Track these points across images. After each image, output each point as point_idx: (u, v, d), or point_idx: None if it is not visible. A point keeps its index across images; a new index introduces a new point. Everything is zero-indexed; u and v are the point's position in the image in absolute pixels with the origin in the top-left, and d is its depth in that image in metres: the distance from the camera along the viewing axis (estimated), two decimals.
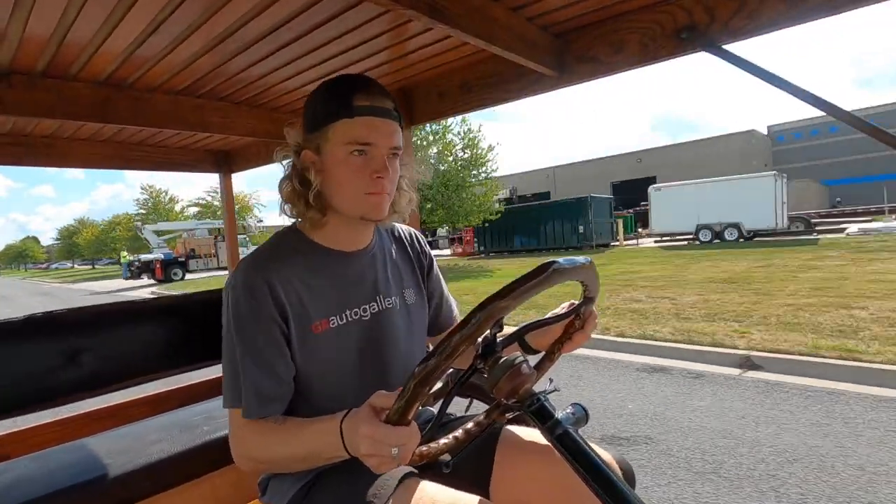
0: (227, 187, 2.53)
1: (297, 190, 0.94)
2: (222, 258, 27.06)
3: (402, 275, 1.09)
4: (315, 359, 0.93)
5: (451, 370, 1.04)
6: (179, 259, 26.62)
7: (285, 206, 0.97)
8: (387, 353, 1.01)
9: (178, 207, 41.83)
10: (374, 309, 1.00)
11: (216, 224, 29.80)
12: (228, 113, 1.78)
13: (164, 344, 1.53)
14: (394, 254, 1.10)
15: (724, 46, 1.08)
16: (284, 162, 0.97)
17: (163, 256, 25.84)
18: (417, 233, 1.21)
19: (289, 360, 0.91)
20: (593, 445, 0.72)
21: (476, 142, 18.59)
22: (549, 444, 0.94)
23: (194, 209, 37.54)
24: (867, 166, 30.42)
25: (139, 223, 33.22)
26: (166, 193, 41.89)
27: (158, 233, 28.44)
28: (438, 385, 0.84)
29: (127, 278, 27.22)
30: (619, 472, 0.91)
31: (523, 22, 1.24)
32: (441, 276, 1.22)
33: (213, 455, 1.34)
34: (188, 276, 26.26)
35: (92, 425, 1.67)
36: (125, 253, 34.49)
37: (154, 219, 37.19)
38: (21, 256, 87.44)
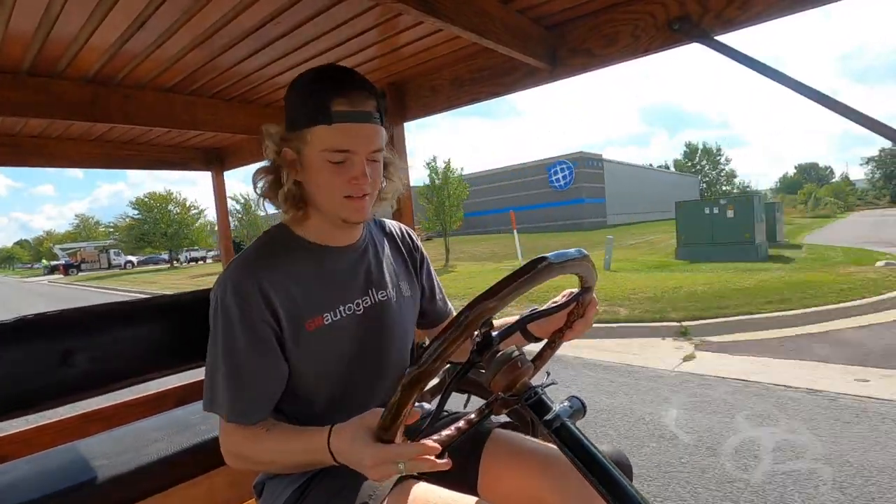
0: (219, 186, 2.51)
1: (276, 185, 0.93)
2: (103, 263, 48.34)
3: (394, 269, 1.09)
4: (310, 356, 0.92)
5: (447, 366, 1.03)
6: (75, 264, 46.96)
7: (262, 201, 0.97)
8: (380, 347, 1.01)
9: (101, 229, 65.92)
10: (367, 303, 1.00)
11: (100, 243, 54.84)
12: (219, 110, 1.76)
13: (159, 343, 1.52)
14: (385, 248, 1.10)
15: (717, 37, 1.07)
16: (267, 157, 0.96)
17: (64, 262, 47.92)
18: (408, 228, 1.21)
19: (278, 364, 0.90)
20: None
21: None
22: (533, 448, 0.95)
23: (111, 229, 54.50)
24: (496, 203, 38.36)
25: (52, 245, 62.07)
26: (92, 217, 75.33)
27: (64, 249, 54.83)
28: (435, 381, 0.83)
29: (44, 275, 48.20)
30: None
31: (515, 14, 1.23)
32: (433, 271, 1.22)
33: (211, 455, 1.33)
34: (81, 273, 43.94)
35: (89, 426, 1.66)
36: (45, 260, 60.65)
37: (85, 236, 66.54)
38: (10, 259, 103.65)
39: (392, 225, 1.18)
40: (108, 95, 1.50)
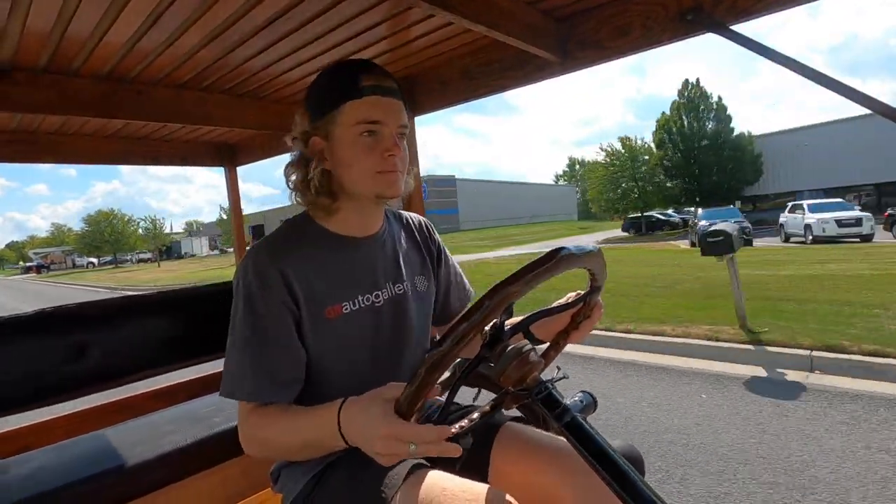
0: (231, 181, 2.53)
1: (306, 178, 0.94)
2: (68, 264, 64.80)
3: (412, 261, 1.09)
4: (328, 345, 0.93)
5: (457, 360, 1.03)
6: (45, 265, 62.65)
7: (295, 195, 0.97)
8: (399, 339, 1.02)
9: (72, 234, 72.70)
10: (386, 294, 1.00)
11: (66, 248, 69.06)
12: (231, 106, 1.77)
13: (174, 337, 1.55)
14: (403, 241, 1.10)
15: (731, 27, 1.05)
16: (293, 152, 0.97)
17: (36, 263, 63.20)
18: (427, 221, 1.21)
19: (300, 347, 0.91)
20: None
21: None
22: (544, 442, 0.94)
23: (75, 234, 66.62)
24: None
25: (26, 250, 79.43)
26: (66, 225, 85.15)
27: (37, 253, 72.08)
28: (446, 374, 0.84)
29: (21, 274, 59.14)
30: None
31: (525, 7, 1.23)
32: (455, 263, 1.22)
33: (225, 445, 1.36)
34: (50, 272, 55.42)
35: (107, 417, 1.70)
36: (21, 261, 76.73)
37: (59, 242, 76.81)
38: (0, 260, 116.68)
39: (411, 217, 1.17)
40: (122, 92, 1.51)
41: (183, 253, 67.56)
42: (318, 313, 0.92)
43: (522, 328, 0.88)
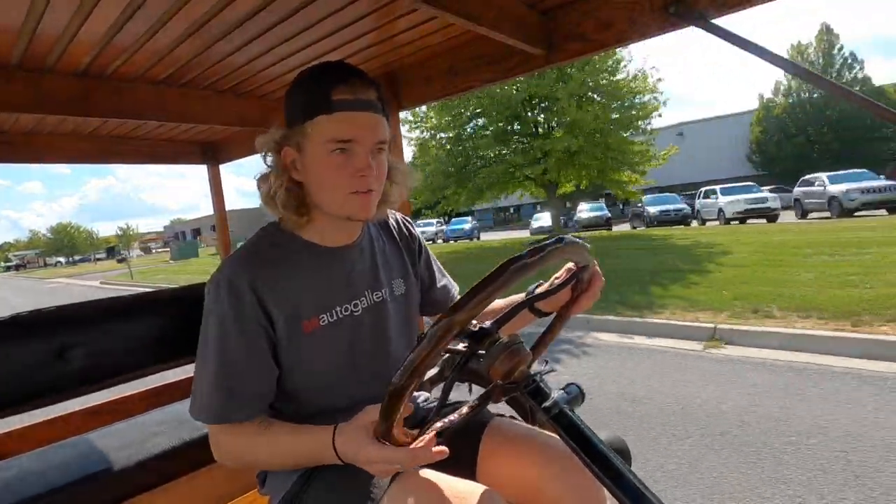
0: (214, 179, 2.49)
1: (274, 192, 0.90)
2: (41, 263, 77.30)
3: (391, 264, 1.07)
4: (306, 358, 0.91)
5: (447, 354, 1.03)
6: (22, 264, 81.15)
7: (264, 207, 0.94)
8: (380, 347, 1.00)
9: (43, 240, 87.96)
10: (364, 304, 0.98)
11: (37, 251, 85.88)
12: (213, 102, 1.74)
13: (156, 338, 1.52)
14: (382, 243, 1.08)
15: (714, 21, 1.06)
16: (268, 159, 0.93)
17: (15, 263, 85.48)
18: (405, 218, 1.19)
19: (269, 365, 0.89)
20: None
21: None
22: (531, 436, 0.95)
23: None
24: None
25: (7, 253, 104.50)
26: (40, 230, 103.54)
27: (16, 255, 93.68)
28: (433, 371, 0.83)
29: (3, 272, 75.15)
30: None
31: (509, 0, 1.22)
32: (434, 258, 1.21)
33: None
34: (26, 270, 68.13)
35: (90, 421, 1.67)
36: (1, 262, 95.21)
37: (37, 245, 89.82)
38: None
39: (389, 216, 1.16)
40: (99, 89, 1.48)
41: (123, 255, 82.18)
42: (294, 328, 0.89)
43: (528, 306, 0.89)
